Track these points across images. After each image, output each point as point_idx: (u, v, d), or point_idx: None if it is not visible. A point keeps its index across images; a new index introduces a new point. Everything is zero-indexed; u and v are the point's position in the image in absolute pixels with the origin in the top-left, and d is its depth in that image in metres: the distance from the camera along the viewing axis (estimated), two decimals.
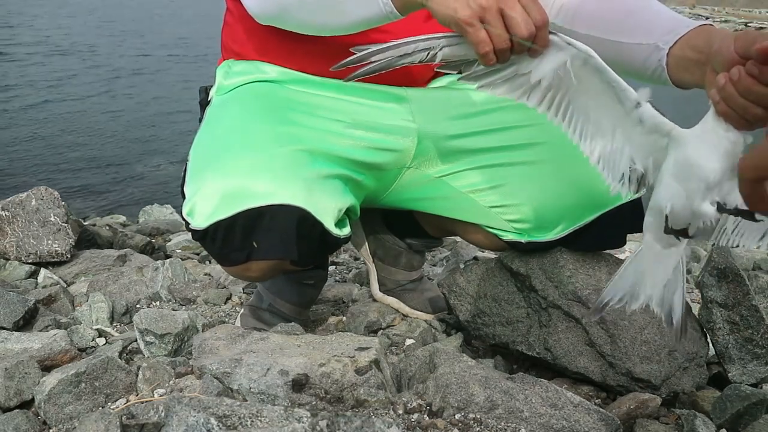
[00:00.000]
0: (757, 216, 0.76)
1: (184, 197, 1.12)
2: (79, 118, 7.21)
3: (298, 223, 1.05)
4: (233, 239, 1.07)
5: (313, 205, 1.07)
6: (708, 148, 0.74)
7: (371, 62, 0.91)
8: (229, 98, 1.25)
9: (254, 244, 1.07)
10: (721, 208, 0.78)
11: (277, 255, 1.09)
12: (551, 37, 0.87)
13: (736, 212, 0.78)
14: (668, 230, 0.81)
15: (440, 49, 0.90)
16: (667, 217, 0.80)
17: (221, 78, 1.29)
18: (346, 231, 1.14)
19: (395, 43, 0.90)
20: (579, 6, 1.09)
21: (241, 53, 1.27)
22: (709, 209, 0.77)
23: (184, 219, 1.09)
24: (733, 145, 0.73)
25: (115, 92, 8.66)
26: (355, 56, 0.91)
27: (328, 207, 1.10)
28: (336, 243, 1.13)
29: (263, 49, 1.23)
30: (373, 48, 0.90)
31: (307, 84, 1.22)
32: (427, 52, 0.90)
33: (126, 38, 13.94)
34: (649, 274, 0.87)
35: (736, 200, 0.78)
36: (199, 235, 1.08)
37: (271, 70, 1.23)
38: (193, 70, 10.33)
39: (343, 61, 0.92)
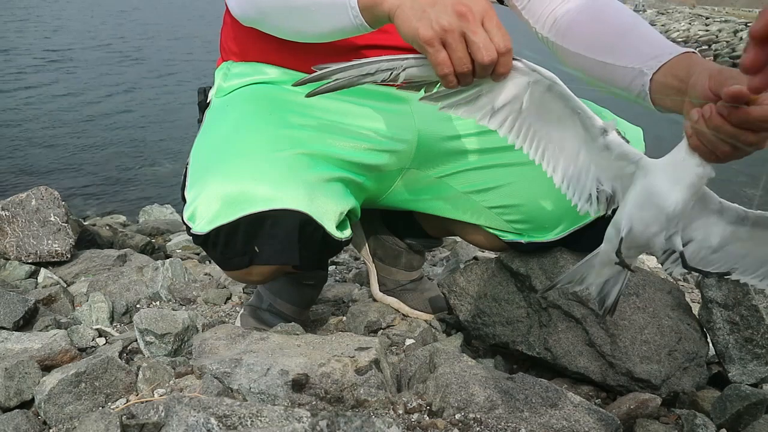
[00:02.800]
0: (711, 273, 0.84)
1: (184, 201, 1.11)
2: (79, 118, 7.20)
3: (299, 227, 1.05)
4: (235, 244, 1.07)
5: (315, 209, 1.06)
6: (673, 180, 0.77)
7: (334, 80, 0.90)
8: (228, 101, 1.24)
9: (256, 249, 1.07)
10: (685, 263, 0.83)
11: (279, 261, 1.09)
12: (515, 63, 0.86)
13: (697, 270, 0.84)
14: (618, 253, 0.83)
15: (403, 70, 0.89)
16: (621, 239, 0.82)
17: (220, 80, 1.28)
18: (347, 233, 1.14)
19: (358, 62, 0.90)
20: (571, 23, 1.11)
21: (241, 53, 1.27)
22: (660, 242, 0.81)
23: (185, 223, 1.09)
24: (700, 178, 0.76)
25: (115, 92, 8.66)
26: (316, 74, 0.90)
27: (329, 210, 1.09)
28: (337, 246, 1.13)
29: (263, 49, 1.23)
30: (335, 66, 0.89)
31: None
32: (389, 72, 0.89)
33: (128, 36, 13.94)
34: (597, 270, 0.91)
35: (690, 235, 0.83)
36: (201, 240, 1.08)
37: (271, 71, 1.23)
38: (193, 70, 10.33)
39: (304, 78, 0.92)
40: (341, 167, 1.16)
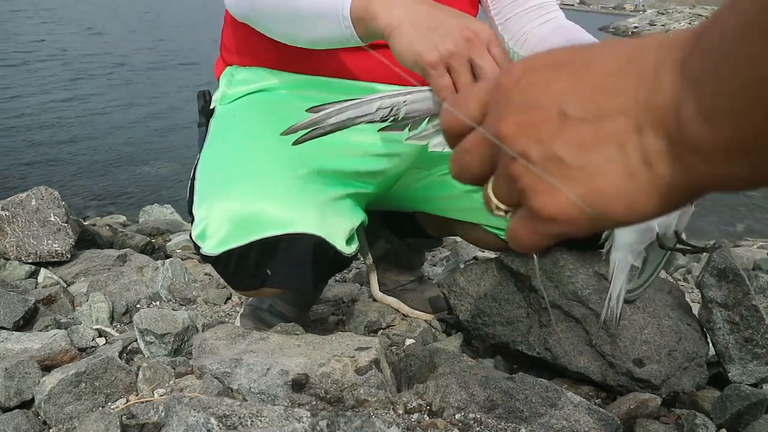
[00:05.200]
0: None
1: (191, 216, 1.08)
2: (79, 118, 7.21)
3: (313, 250, 1.03)
4: (247, 267, 1.04)
5: (327, 230, 1.05)
6: None
7: (324, 126, 0.86)
8: (233, 111, 1.22)
9: (268, 272, 1.05)
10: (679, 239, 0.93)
11: (292, 284, 1.07)
12: None
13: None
14: (664, 246, 0.86)
15: (405, 105, 0.84)
16: (658, 234, 0.86)
17: (224, 86, 1.26)
18: (354, 247, 1.13)
19: (355, 101, 0.84)
20: (543, 40, 1.17)
21: (244, 52, 1.25)
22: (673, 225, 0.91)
23: (193, 242, 1.06)
24: None
25: (115, 92, 8.66)
26: (309, 119, 0.85)
27: (340, 229, 1.08)
28: (347, 261, 1.12)
29: (267, 48, 1.21)
30: (331, 108, 0.84)
31: (311, 87, 1.20)
32: (390, 109, 0.84)
33: (124, 36, 13.95)
34: (616, 281, 0.97)
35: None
36: (211, 260, 1.05)
37: (275, 78, 1.21)
38: (194, 70, 10.33)
39: (296, 125, 0.87)
40: (351, 181, 1.14)
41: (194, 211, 1.08)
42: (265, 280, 1.06)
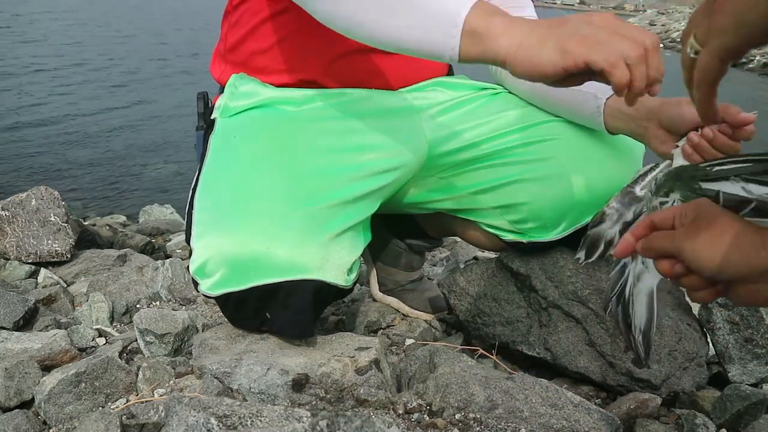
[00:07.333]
0: None
1: (190, 249, 1.05)
2: (78, 117, 7.21)
3: (314, 295, 1.01)
4: (246, 310, 1.03)
5: (329, 270, 1.02)
6: None
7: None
8: (235, 129, 1.17)
9: (267, 315, 1.04)
10: None
11: (292, 334, 1.06)
12: None
13: None
14: None
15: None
16: None
17: (227, 98, 1.21)
18: (355, 274, 1.11)
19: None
20: None
21: (243, 50, 1.23)
22: None
23: (192, 277, 1.04)
24: None
25: (115, 92, 8.66)
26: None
27: (343, 263, 1.05)
28: (349, 291, 1.10)
29: (270, 49, 1.19)
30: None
31: (318, 100, 1.18)
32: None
33: (126, 37, 13.96)
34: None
35: None
36: (209, 297, 1.04)
37: (279, 92, 1.19)
38: (192, 70, 10.34)
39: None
40: (357, 205, 1.11)
41: (192, 245, 1.04)
42: (264, 322, 1.05)
